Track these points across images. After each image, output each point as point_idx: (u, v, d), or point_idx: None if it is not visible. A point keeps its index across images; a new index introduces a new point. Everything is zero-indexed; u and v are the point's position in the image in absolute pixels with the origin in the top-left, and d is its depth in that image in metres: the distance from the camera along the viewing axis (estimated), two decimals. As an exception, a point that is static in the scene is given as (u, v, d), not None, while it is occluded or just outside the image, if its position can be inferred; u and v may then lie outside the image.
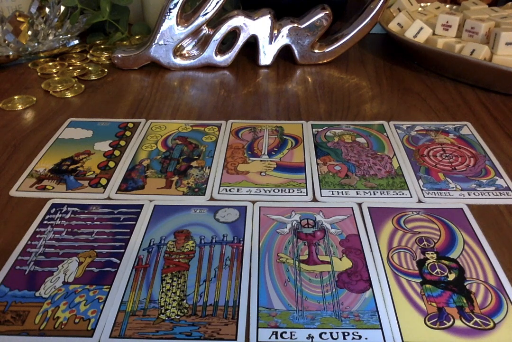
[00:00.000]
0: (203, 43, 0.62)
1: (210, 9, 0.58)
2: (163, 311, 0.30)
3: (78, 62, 0.66)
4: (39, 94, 0.58)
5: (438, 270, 0.33)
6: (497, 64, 0.53)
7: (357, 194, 0.40)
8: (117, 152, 0.46)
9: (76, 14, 0.66)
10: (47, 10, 0.66)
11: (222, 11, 0.61)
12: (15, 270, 0.33)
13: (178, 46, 0.61)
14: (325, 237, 0.36)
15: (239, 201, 0.40)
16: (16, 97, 0.57)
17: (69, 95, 0.57)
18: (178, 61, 0.62)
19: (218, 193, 0.40)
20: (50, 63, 0.65)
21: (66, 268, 0.33)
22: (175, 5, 0.58)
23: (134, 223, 0.37)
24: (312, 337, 0.29)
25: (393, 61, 0.67)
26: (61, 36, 0.67)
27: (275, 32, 0.61)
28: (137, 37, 0.71)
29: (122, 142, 0.48)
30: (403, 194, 0.40)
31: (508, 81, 0.54)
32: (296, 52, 0.63)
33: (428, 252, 0.34)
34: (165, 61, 0.62)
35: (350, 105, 0.55)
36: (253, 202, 0.39)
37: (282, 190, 0.41)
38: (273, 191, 0.41)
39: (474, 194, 0.40)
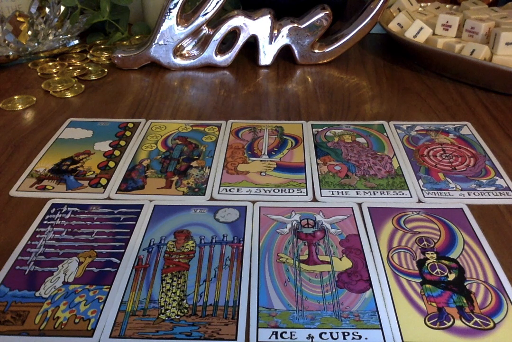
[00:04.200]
0: (203, 43, 0.62)
1: (210, 9, 0.58)
2: (163, 311, 0.30)
3: (78, 62, 0.66)
4: (39, 94, 0.58)
5: (438, 270, 0.33)
6: (497, 64, 0.53)
7: (357, 194, 0.40)
8: (117, 152, 0.46)
9: (76, 14, 0.66)
10: (47, 10, 0.66)
11: (222, 11, 0.61)
12: (15, 270, 0.33)
13: (178, 46, 0.61)
14: (325, 237, 0.36)
15: (239, 201, 0.40)
16: (16, 97, 0.57)
17: (69, 95, 0.57)
18: (178, 61, 0.62)
19: (218, 193, 0.40)
20: (50, 63, 0.65)
21: (66, 268, 0.33)
22: (175, 5, 0.58)
23: (134, 223, 0.37)
24: (312, 337, 0.29)
25: (393, 61, 0.67)
26: (61, 36, 0.67)
27: (275, 32, 0.61)
28: (137, 37, 0.71)
29: (122, 142, 0.48)
30: (403, 194, 0.40)
31: (508, 81, 0.54)
32: (296, 52, 0.63)
33: (428, 252, 0.34)
34: (165, 61, 0.62)
35: (350, 105, 0.55)
36: (253, 202, 0.39)
37: (282, 190, 0.41)
38: (273, 191, 0.41)
39: (474, 194, 0.40)
